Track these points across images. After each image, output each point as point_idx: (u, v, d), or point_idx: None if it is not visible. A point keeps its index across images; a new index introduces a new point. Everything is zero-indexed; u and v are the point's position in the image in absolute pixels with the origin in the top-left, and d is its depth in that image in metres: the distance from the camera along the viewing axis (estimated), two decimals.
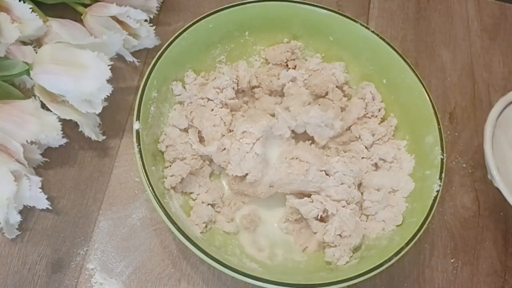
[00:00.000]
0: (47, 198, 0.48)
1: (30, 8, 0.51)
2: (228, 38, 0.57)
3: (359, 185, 0.52)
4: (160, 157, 0.51)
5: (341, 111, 0.55)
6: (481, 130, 0.59)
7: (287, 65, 0.57)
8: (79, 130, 0.50)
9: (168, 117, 0.53)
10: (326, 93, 0.55)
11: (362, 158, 0.53)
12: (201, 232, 0.48)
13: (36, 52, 0.49)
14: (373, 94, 0.55)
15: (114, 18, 0.54)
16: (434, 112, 0.51)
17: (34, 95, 0.48)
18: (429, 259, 0.52)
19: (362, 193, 0.51)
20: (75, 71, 0.47)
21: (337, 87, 0.55)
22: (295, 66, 0.57)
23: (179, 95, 0.54)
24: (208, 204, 0.50)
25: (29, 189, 0.47)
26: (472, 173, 0.57)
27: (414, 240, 0.46)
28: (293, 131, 0.52)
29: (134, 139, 0.47)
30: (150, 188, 0.45)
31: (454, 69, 0.64)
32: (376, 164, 0.52)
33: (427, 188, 0.49)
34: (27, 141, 0.47)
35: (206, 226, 0.49)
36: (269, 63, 0.58)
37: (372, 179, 0.51)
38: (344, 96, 0.56)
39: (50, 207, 0.49)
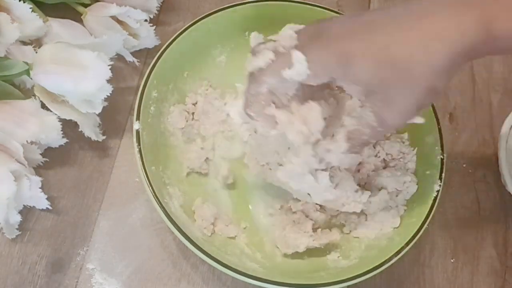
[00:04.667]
0: (47, 198, 0.48)
1: (30, 8, 0.51)
2: (228, 38, 0.57)
3: (364, 184, 0.52)
4: (160, 157, 0.51)
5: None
6: (481, 130, 0.60)
7: None
8: (79, 130, 0.50)
9: (168, 117, 0.53)
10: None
11: (369, 156, 0.52)
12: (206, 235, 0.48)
13: (36, 52, 0.49)
14: None
15: (114, 18, 0.54)
16: (434, 112, 0.51)
17: (34, 95, 0.48)
18: (429, 259, 0.52)
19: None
20: (75, 71, 0.47)
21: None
22: None
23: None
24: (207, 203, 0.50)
25: (29, 189, 0.47)
26: (472, 173, 0.57)
27: (414, 240, 0.46)
28: None
29: (134, 139, 0.47)
30: (150, 188, 0.45)
31: None
32: (384, 160, 0.52)
33: (427, 188, 0.49)
34: (27, 141, 0.47)
35: (213, 227, 0.49)
36: None
37: (376, 178, 0.51)
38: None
39: (50, 207, 0.49)
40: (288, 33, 0.38)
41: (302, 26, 0.40)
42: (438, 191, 0.48)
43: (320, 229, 0.49)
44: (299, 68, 0.36)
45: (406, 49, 0.34)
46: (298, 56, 0.36)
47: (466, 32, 0.33)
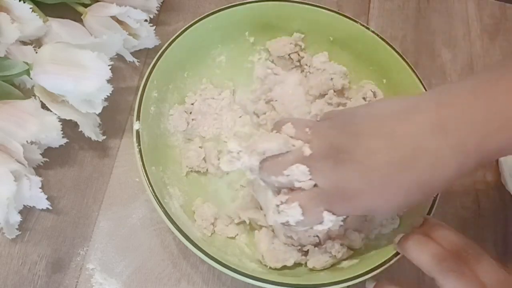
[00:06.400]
0: (47, 198, 0.48)
1: (30, 8, 0.51)
2: (228, 38, 0.57)
3: None
4: (160, 157, 0.51)
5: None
6: None
7: (290, 58, 0.57)
8: (79, 130, 0.50)
9: (169, 118, 0.53)
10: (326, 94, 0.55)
11: None
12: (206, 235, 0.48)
13: (36, 52, 0.49)
14: (374, 91, 0.55)
15: (114, 18, 0.54)
16: None
17: (34, 95, 0.48)
18: None
19: None
20: (75, 71, 0.47)
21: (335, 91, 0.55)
22: (300, 60, 0.57)
23: None
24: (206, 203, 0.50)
25: (29, 189, 0.47)
26: (472, 173, 0.57)
27: None
28: None
29: (134, 139, 0.47)
30: (150, 188, 0.45)
31: (454, 69, 0.64)
32: None
33: None
34: (27, 141, 0.47)
35: (213, 227, 0.49)
36: (271, 57, 0.58)
37: None
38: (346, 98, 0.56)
39: (50, 207, 0.49)
40: (301, 170, 0.41)
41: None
42: None
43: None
44: (329, 224, 0.42)
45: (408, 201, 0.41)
46: (329, 217, 0.41)
47: (463, 167, 0.39)
